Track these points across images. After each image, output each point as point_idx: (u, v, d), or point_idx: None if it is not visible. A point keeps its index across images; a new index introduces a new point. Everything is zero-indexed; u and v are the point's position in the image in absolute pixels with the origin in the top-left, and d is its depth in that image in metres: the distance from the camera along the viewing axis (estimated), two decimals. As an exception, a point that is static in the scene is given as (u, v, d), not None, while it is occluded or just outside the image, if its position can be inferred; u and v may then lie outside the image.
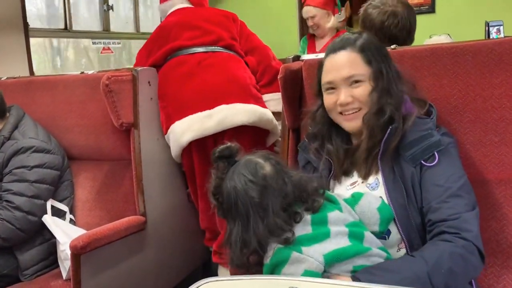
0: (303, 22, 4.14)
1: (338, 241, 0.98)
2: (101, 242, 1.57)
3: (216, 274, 2.21)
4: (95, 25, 3.42)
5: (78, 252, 1.49)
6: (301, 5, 3.82)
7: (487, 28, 2.27)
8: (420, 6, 3.66)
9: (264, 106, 1.98)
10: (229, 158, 1.10)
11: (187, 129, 1.89)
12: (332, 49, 1.19)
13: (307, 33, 3.29)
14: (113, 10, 3.46)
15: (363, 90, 1.13)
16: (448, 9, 3.62)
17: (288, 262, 0.96)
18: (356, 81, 1.14)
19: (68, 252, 1.55)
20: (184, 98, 1.92)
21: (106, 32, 3.44)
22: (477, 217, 1.05)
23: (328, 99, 1.19)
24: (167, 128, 1.95)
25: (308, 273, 0.94)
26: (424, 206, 1.06)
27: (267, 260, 1.00)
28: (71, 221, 1.87)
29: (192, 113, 1.89)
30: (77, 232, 1.71)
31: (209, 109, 1.88)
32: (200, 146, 1.95)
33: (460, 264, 0.98)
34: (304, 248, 0.96)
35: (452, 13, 3.59)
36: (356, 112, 1.14)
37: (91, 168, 1.97)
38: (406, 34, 1.67)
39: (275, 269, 0.99)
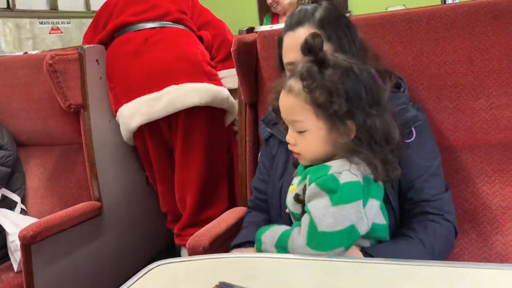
0: (261, 0, 4.08)
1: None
2: (53, 230, 1.50)
3: (179, 256, 2.18)
4: (42, 4, 3.24)
5: (28, 242, 1.43)
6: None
7: (442, -5, 2.28)
8: (377, -23, 3.64)
9: (220, 84, 1.88)
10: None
11: (135, 112, 1.79)
12: (289, 26, 1.11)
13: (270, 10, 3.23)
14: (60, -13, 3.28)
15: None
16: (405, -20, 3.62)
17: (353, 203, 0.85)
18: None
19: (18, 242, 1.47)
20: (131, 79, 1.81)
21: (54, 11, 3.26)
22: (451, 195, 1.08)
23: None
24: (116, 111, 1.85)
25: (353, 232, 0.85)
26: (404, 183, 1.04)
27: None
28: (22, 211, 1.78)
29: (140, 95, 1.78)
30: (28, 221, 1.61)
31: (158, 90, 1.77)
32: (153, 130, 1.86)
33: (445, 245, 1.01)
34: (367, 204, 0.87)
35: (408, -16, 3.59)
36: None
37: (41, 154, 1.88)
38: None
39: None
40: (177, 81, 1.78)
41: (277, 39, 1.17)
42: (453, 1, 2.23)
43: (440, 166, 1.09)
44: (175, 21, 1.91)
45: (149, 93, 1.77)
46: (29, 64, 1.84)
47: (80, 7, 3.58)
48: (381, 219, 0.94)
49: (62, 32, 3.36)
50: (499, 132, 1.21)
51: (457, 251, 1.19)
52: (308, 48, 0.89)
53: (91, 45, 1.83)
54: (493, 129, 1.21)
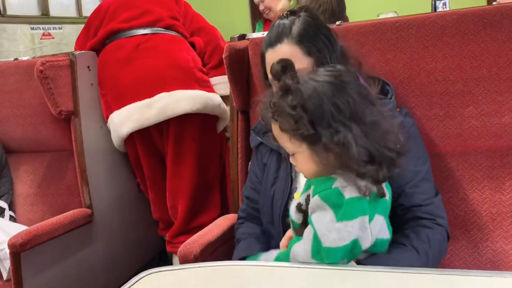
0: (253, 6, 4.09)
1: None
2: (43, 238, 1.49)
3: (171, 264, 2.17)
4: (33, 9, 3.22)
5: (18, 250, 1.41)
6: (251, -12, 3.76)
7: (433, 2, 2.30)
8: (369, -16, 3.68)
9: (211, 90, 1.88)
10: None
11: (126, 119, 1.78)
12: (269, 43, 1.10)
13: (262, 17, 3.24)
14: (52, -7, 3.27)
15: None
16: (396, -13, 3.66)
17: (357, 218, 0.83)
18: None
19: (7, 251, 1.46)
20: (123, 85, 1.80)
21: (45, 16, 3.25)
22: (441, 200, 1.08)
23: None
24: (107, 117, 1.84)
25: (356, 246, 0.84)
26: (394, 189, 1.02)
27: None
28: (11, 218, 1.76)
29: (131, 102, 1.77)
30: (17, 229, 1.60)
31: (149, 97, 1.76)
32: (144, 137, 1.85)
33: (438, 250, 1.02)
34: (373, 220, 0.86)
35: (399, -9, 3.63)
36: None
37: (31, 161, 1.86)
38: (328, 15, 1.69)
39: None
40: (168, 88, 1.77)
41: (260, 55, 1.16)
42: (443, 7, 2.25)
43: (429, 170, 1.10)
44: (167, 27, 1.90)
45: (140, 100, 1.76)
46: (19, 70, 1.83)
47: (72, 12, 3.57)
48: (386, 234, 0.93)
49: (53, 38, 3.34)
50: (488, 139, 1.22)
51: (447, 258, 1.19)
52: (276, 76, 0.90)
53: (82, 51, 1.82)
54: (482, 136, 1.22)
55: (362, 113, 0.85)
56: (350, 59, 1.13)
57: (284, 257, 0.91)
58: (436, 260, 1.02)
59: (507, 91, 1.19)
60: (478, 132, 1.22)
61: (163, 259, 2.30)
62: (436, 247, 1.00)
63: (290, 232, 1.01)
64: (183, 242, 1.23)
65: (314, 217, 0.86)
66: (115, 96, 1.81)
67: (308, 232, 0.87)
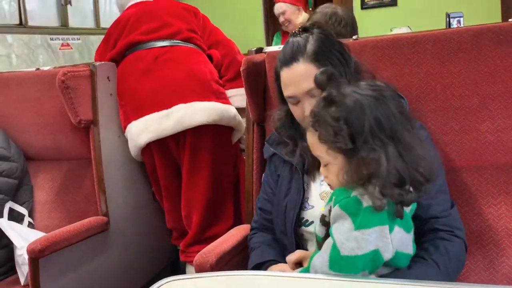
0: (268, 16, 4.14)
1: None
2: (61, 245, 1.51)
3: (184, 273, 2.18)
4: (53, 21, 3.30)
5: (36, 256, 1.44)
6: (266, 1, 3.82)
7: (447, 19, 2.31)
8: (383, -1, 3.71)
9: (227, 102, 1.91)
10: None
11: (143, 129, 1.81)
12: (284, 61, 1.11)
13: (281, 29, 3.30)
14: (71, 5, 3.35)
15: None
16: (410, 1, 3.69)
17: (375, 227, 0.83)
18: (317, 93, 1.07)
19: (26, 256, 1.49)
20: (141, 96, 1.84)
21: (64, 27, 3.32)
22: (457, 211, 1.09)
23: (295, 111, 1.14)
24: (125, 127, 1.88)
25: (377, 257, 0.84)
26: None
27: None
28: (29, 224, 1.79)
29: (149, 112, 1.81)
30: (35, 235, 1.63)
31: (167, 108, 1.80)
32: (161, 147, 1.89)
33: (457, 263, 1.01)
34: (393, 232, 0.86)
35: (413, 5, 3.66)
36: None
37: (50, 169, 1.90)
38: (350, 29, 1.74)
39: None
40: (185, 100, 1.80)
41: (274, 73, 1.18)
42: (458, 24, 2.26)
43: (445, 182, 1.10)
44: (185, 40, 1.94)
45: (158, 110, 1.80)
46: (41, 80, 1.87)
47: (90, 24, 3.65)
48: (410, 249, 0.93)
49: (71, 48, 3.42)
50: (505, 154, 1.22)
51: (463, 273, 1.19)
52: (320, 87, 0.92)
53: (102, 62, 1.87)
54: (498, 151, 1.22)
55: (400, 132, 0.86)
56: (364, 73, 1.15)
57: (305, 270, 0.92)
58: (455, 273, 1.02)
59: (524, 107, 1.20)
60: (494, 147, 1.23)
61: (175, 269, 2.31)
62: (455, 261, 1.00)
63: (299, 252, 1.03)
64: (197, 251, 1.25)
65: (334, 227, 0.86)
66: (134, 107, 1.85)
67: (327, 243, 0.88)
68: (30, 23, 3.02)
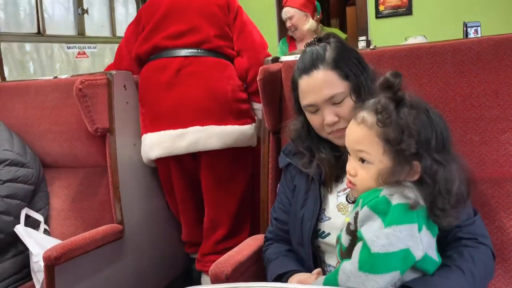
0: (282, 24, 4.14)
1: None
2: (76, 252, 1.51)
3: (197, 282, 2.17)
4: (70, 29, 3.35)
5: (52, 263, 1.44)
6: (280, 8, 3.82)
7: (465, 28, 2.29)
8: (398, 8, 3.70)
9: (247, 121, 1.88)
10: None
11: (156, 144, 1.82)
12: (303, 70, 1.11)
13: (287, 35, 3.28)
14: (88, 14, 3.39)
15: (346, 107, 1.08)
16: (425, 11, 3.67)
17: (405, 225, 0.84)
18: (336, 101, 1.09)
19: (42, 263, 1.49)
20: (160, 110, 1.84)
21: (81, 36, 3.37)
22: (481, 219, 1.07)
23: (314, 120, 1.13)
24: (142, 135, 1.90)
25: (408, 256, 0.84)
26: None
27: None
28: (45, 231, 1.81)
29: (165, 128, 1.81)
30: (51, 242, 1.64)
31: (182, 127, 1.80)
32: (177, 161, 1.90)
33: (484, 270, 0.99)
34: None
35: (429, 14, 3.63)
36: (343, 129, 1.07)
37: (66, 176, 1.91)
38: None
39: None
40: (202, 122, 1.80)
41: (291, 83, 1.17)
42: (475, 33, 2.24)
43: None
44: (213, 49, 1.89)
45: (174, 128, 1.80)
46: (58, 88, 1.89)
47: (106, 32, 3.69)
48: (435, 255, 0.93)
49: (87, 57, 3.46)
50: (526, 166, 1.20)
51: None
52: (388, 85, 0.91)
53: (119, 71, 1.88)
54: (520, 162, 1.20)
55: (448, 148, 0.89)
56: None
57: (333, 278, 0.89)
58: (483, 280, 0.98)
59: (545, 118, 1.17)
60: (515, 159, 1.21)
61: (188, 277, 2.31)
62: (481, 267, 0.97)
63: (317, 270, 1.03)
64: (213, 261, 1.24)
65: (363, 229, 0.85)
66: (152, 118, 1.86)
67: (357, 246, 0.86)
68: (47, 31, 3.06)
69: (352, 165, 0.93)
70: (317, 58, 1.10)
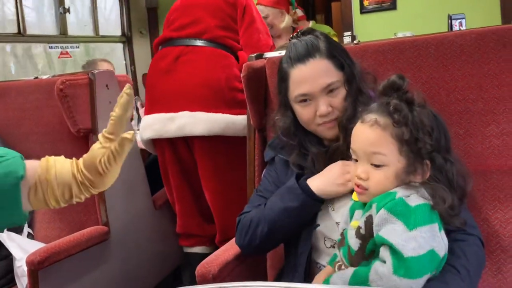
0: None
1: None
2: (61, 256, 1.49)
3: (187, 281, 2.16)
4: (52, 29, 3.29)
5: (35, 267, 1.41)
6: (258, 4, 3.79)
7: (449, 21, 2.29)
8: (382, 3, 3.70)
9: (241, 111, 1.83)
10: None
11: (148, 126, 1.89)
12: (298, 59, 1.10)
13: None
14: (69, 13, 3.34)
15: (340, 97, 1.09)
16: (409, 5, 3.67)
17: (428, 225, 0.84)
18: (332, 90, 1.09)
19: (25, 268, 1.46)
20: (157, 94, 1.92)
21: (63, 36, 3.32)
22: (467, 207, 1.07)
23: (305, 111, 1.12)
24: None
25: (434, 256, 0.84)
26: None
27: None
28: (29, 235, 1.77)
29: (159, 111, 1.87)
30: (35, 246, 1.61)
31: (174, 112, 1.84)
32: (170, 145, 1.93)
33: (477, 261, 0.99)
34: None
35: (413, 9, 3.64)
36: (335, 120, 1.10)
37: (49, 178, 1.87)
38: None
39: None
40: (192, 108, 1.83)
41: (280, 74, 1.16)
42: (460, 26, 2.24)
43: None
44: (212, 39, 1.92)
45: (165, 112, 1.86)
46: (39, 89, 1.85)
47: (89, 31, 3.65)
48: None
49: (70, 56, 3.41)
50: (510, 158, 1.20)
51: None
52: (396, 87, 0.91)
53: (101, 70, 1.85)
54: (504, 155, 1.21)
55: (450, 148, 0.93)
56: (368, 74, 1.16)
57: (363, 275, 0.85)
58: (478, 272, 0.98)
59: (529, 109, 1.18)
60: (500, 151, 1.21)
61: (177, 277, 2.29)
62: (474, 259, 0.97)
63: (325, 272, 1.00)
64: None
65: (383, 232, 0.83)
66: (150, 102, 1.94)
67: (384, 251, 0.83)
68: (28, 31, 3.01)
69: (363, 168, 0.91)
70: (312, 48, 1.10)
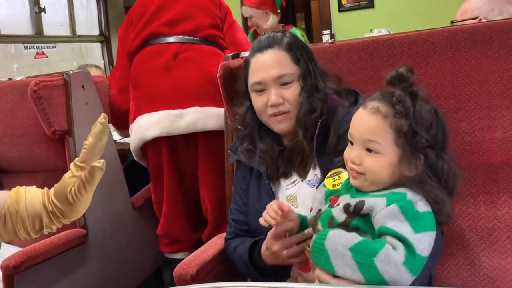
0: (246, 20, 4.12)
1: None
2: (37, 260, 1.47)
3: (168, 282, 2.15)
4: (27, 29, 3.23)
5: (11, 272, 1.40)
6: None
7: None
8: (360, 1, 3.74)
9: None
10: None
11: (155, 124, 1.82)
12: (258, 48, 1.17)
13: (254, 29, 3.25)
14: (45, 13, 3.28)
15: (293, 91, 1.13)
16: (387, 4, 3.72)
17: (429, 232, 0.86)
18: (286, 83, 1.13)
19: (0, 273, 1.43)
20: (158, 91, 1.86)
21: (38, 35, 3.26)
22: None
23: (258, 100, 1.16)
24: (134, 118, 1.88)
25: (424, 263, 0.85)
26: None
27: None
28: (4, 239, 1.74)
29: (164, 109, 1.82)
30: (10, 251, 1.58)
31: (182, 108, 1.81)
32: (171, 144, 1.89)
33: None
34: None
35: (390, 7, 3.69)
36: (286, 113, 1.13)
37: (25, 181, 1.78)
38: None
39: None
40: (201, 103, 1.82)
41: (244, 62, 1.21)
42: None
43: None
44: (207, 37, 1.93)
45: (173, 108, 1.82)
46: (13, 90, 1.83)
47: (65, 31, 3.59)
48: None
49: (47, 57, 3.35)
50: (482, 154, 1.22)
51: (444, 274, 1.19)
52: (402, 79, 0.91)
53: (77, 70, 1.83)
54: (476, 151, 1.23)
55: (446, 147, 0.93)
56: (330, 76, 1.20)
57: (372, 247, 0.83)
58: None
59: (499, 106, 1.20)
60: (472, 148, 1.23)
61: (158, 278, 2.28)
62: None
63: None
64: None
65: (393, 225, 0.83)
66: (149, 99, 1.86)
67: (393, 240, 0.83)
68: (3, 31, 2.94)
69: (356, 153, 0.91)
70: (273, 40, 1.16)
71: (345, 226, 0.88)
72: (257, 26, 2.99)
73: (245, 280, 1.24)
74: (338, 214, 0.91)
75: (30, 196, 0.83)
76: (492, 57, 1.20)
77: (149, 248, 2.11)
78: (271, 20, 2.95)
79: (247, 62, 1.20)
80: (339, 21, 3.83)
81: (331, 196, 0.98)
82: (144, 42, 1.95)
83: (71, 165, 0.87)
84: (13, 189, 0.84)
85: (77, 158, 0.86)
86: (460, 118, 1.23)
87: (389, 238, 0.83)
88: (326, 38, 3.39)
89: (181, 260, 1.98)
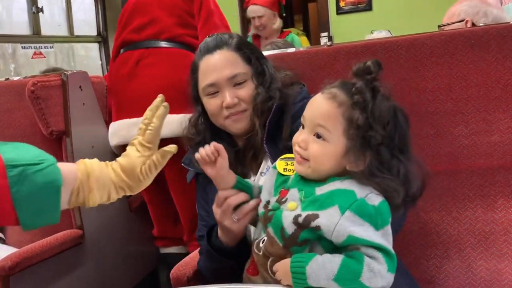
0: (244, 22, 4.13)
1: None
2: (33, 260, 1.46)
3: (164, 282, 2.15)
4: (24, 29, 3.22)
5: (7, 273, 1.39)
6: (242, 5, 3.80)
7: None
8: (358, 4, 3.75)
9: None
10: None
11: (114, 133, 1.86)
12: (206, 50, 1.14)
13: (253, 33, 3.25)
14: (43, 13, 3.27)
15: (247, 90, 1.11)
16: (385, 6, 3.73)
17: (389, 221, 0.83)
18: (239, 82, 1.11)
19: (-4, 274, 1.43)
20: (123, 100, 1.88)
21: (36, 35, 3.25)
22: None
23: (212, 103, 1.13)
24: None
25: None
26: None
27: None
28: (0, 240, 1.74)
29: (125, 117, 1.84)
30: (7, 251, 1.57)
31: (138, 116, 1.77)
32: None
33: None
34: None
35: (388, 10, 3.70)
36: (242, 112, 1.11)
37: (21, 181, 1.83)
38: None
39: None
40: None
41: (192, 66, 1.18)
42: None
43: None
44: (171, 39, 1.88)
45: (130, 117, 1.82)
46: (10, 91, 1.82)
47: (63, 31, 3.58)
48: None
49: (44, 57, 3.34)
50: (479, 157, 1.23)
51: (442, 277, 1.19)
52: (367, 72, 0.87)
53: (74, 71, 1.82)
54: (473, 154, 1.23)
55: (407, 150, 0.88)
56: (283, 71, 1.20)
57: (355, 268, 0.80)
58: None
59: (496, 110, 1.21)
60: (469, 151, 1.24)
61: (155, 278, 2.27)
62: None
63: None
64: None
65: (359, 233, 0.79)
66: (118, 109, 1.90)
67: (369, 250, 0.80)
68: (0, 31, 2.94)
69: (304, 137, 0.88)
70: (221, 41, 1.14)
71: (295, 240, 0.84)
72: (264, 27, 3.01)
73: (241, 281, 1.24)
74: (288, 226, 0.85)
75: (98, 172, 0.88)
76: (489, 61, 1.20)
77: (145, 249, 2.10)
78: (278, 22, 3.00)
79: (195, 65, 1.16)
80: (337, 24, 3.84)
81: (282, 187, 0.93)
82: (117, 51, 1.96)
83: (136, 143, 0.93)
84: (78, 162, 0.90)
85: (141, 138, 0.93)
86: (458, 122, 1.24)
87: (364, 249, 0.80)
88: (324, 40, 3.40)
89: (176, 254, 2.02)
